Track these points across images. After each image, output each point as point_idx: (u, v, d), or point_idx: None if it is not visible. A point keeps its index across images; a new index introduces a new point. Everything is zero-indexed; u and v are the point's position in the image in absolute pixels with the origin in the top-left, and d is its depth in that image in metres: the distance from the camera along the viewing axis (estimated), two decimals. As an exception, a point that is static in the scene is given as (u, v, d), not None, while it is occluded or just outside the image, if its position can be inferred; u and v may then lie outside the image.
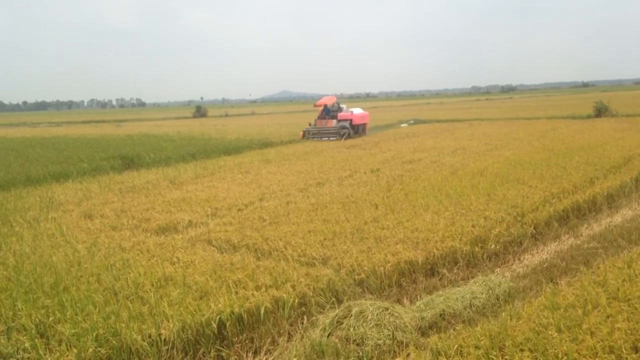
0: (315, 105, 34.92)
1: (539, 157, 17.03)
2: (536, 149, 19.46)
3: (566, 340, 4.81)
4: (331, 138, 30.23)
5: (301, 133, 31.68)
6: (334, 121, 31.63)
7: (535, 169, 14.40)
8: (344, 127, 30.85)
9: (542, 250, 8.79)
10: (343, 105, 33.63)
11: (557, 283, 7.04)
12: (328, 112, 32.99)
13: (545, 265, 7.94)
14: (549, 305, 5.67)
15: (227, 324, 5.86)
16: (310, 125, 32.75)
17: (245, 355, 5.75)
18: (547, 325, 5.17)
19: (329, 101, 34.00)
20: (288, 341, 5.95)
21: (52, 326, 5.81)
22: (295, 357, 5.43)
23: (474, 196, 11.28)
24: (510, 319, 5.46)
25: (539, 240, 9.30)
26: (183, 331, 5.63)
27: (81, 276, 7.29)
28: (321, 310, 6.48)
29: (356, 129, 32.00)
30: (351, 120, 31.56)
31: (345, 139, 29.66)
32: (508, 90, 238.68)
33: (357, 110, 33.34)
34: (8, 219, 11.58)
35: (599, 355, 4.59)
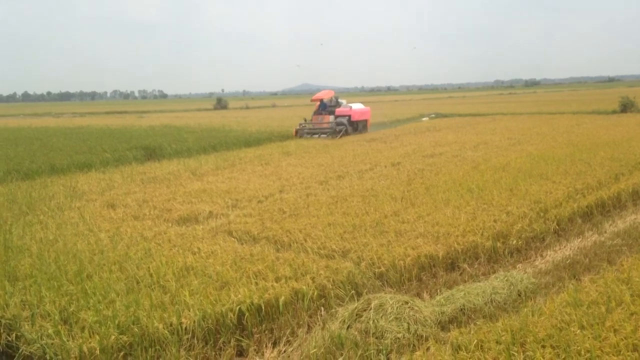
0: (311, 100, 33.02)
1: (562, 152, 16.79)
2: (560, 144, 19.20)
3: (589, 338, 4.75)
4: (327, 135, 28.06)
5: (294, 130, 29.37)
6: (331, 117, 29.51)
7: (559, 165, 14.21)
8: (340, 124, 28.78)
9: (564, 247, 8.68)
10: (342, 100, 31.65)
11: (579, 280, 6.95)
12: (325, 107, 30.78)
13: (568, 262, 7.84)
14: (572, 302, 5.60)
15: (247, 314, 5.90)
16: (305, 121, 30.46)
17: (264, 346, 5.78)
18: (570, 322, 5.10)
19: (327, 95, 31.79)
20: (307, 333, 5.97)
21: (75, 313, 5.89)
22: (314, 348, 5.44)
23: (496, 191, 11.17)
24: (532, 315, 5.40)
25: (561, 236, 9.19)
26: (203, 320, 5.68)
27: (104, 264, 7.40)
28: (340, 302, 6.48)
29: (355, 126, 29.98)
30: (350, 116, 29.56)
31: (341, 136, 27.69)
32: (532, 84, 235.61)
33: (356, 106, 31.23)
34: (33, 207, 11.77)
35: (622, 353, 4.52)
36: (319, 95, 32.18)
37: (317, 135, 28.25)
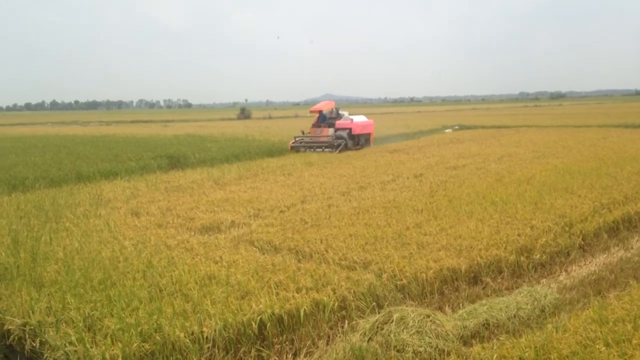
0: (310, 111, 30.97)
1: (588, 166, 16.55)
2: (586, 158, 18.92)
3: (614, 355, 4.66)
4: (325, 150, 26.08)
5: (290, 144, 27.40)
6: (330, 130, 27.43)
7: (585, 178, 14.00)
8: (340, 138, 26.58)
9: (590, 262, 8.54)
10: (344, 112, 29.35)
11: (605, 296, 6.82)
12: (324, 120, 28.76)
13: (593, 278, 7.71)
14: (597, 318, 5.50)
15: (268, 324, 5.91)
16: (303, 133, 28.53)
17: (285, 357, 5.78)
18: (595, 339, 5.02)
19: (327, 106, 29.55)
20: (328, 344, 5.95)
21: (99, 320, 5.97)
22: (334, 360, 5.42)
23: (520, 204, 11.04)
24: (556, 332, 5.32)
25: (587, 251, 9.04)
26: (225, 330, 5.70)
27: (128, 272, 7.47)
28: (361, 314, 6.45)
29: (356, 140, 27.77)
30: (350, 129, 27.25)
31: (340, 151, 25.68)
32: (557, 96, 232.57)
33: (358, 118, 28.93)
34: (59, 214, 11.96)
35: (650, 372, 4.43)
36: (318, 106, 29.97)
37: (314, 150, 26.38)
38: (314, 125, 28.90)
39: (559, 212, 10.35)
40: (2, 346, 6.25)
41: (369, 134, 29.15)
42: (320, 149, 26.19)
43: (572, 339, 5.06)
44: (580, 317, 5.67)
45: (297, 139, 27.74)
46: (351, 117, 28.55)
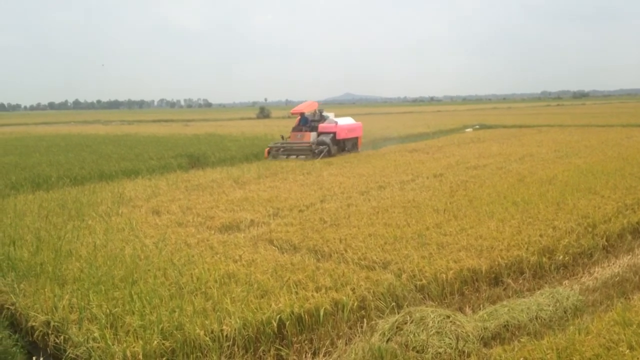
0: (291, 113, 27.99)
1: (612, 166, 16.30)
2: (609, 158, 18.64)
3: (639, 359, 4.58)
4: (301, 157, 23.33)
5: (266, 150, 24.58)
6: (312, 134, 24.47)
7: (608, 179, 13.79)
8: (322, 143, 23.80)
9: (613, 264, 8.41)
10: (328, 114, 26.32)
11: (629, 298, 6.71)
12: (306, 122, 25.75)
13: (616, 279, 7.59)
14: (620, 321, 5.42)
15: (287, 323, 5.92)
16: (283, 138, 25.77)
17: (304, 356, 5.79)
18: (618, 342, 4.94)
19: (309, 108, 26.45)
20: (347, 344, 5.94)
21: (121, 317, 6.04)
22: (353, 360, 5.41)
23: (542, 205, 10.92)
24: (579, 334, 5.25)
25: (610, 252, 8.90)
26: (244, 328, 5.73)
27: (149, 270, 7.55)
28: (381, 314, 6.43)
29: (342, 145, 25.14)
30: (335, 133, 24.49)
31: (322, 157, 22.82)
32: (580, 96, 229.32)
33: (344, 121, 26.21)
34: (82, 212, 12.12)
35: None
36: (299, 107, 26.77)
37: (293, 156, 23.63)
38: (294, 129, 25.85)
39: (582, 212, 10.21)
40: (26, 342, 6.35)
41: (356, 138, 26.57)
42: (298, 156, 23.51)
43: (595, 342, 4.98)
44: (603, 319, 5.58)
45: (275, 144, 24.92)
46: (336, 119, 25.69)
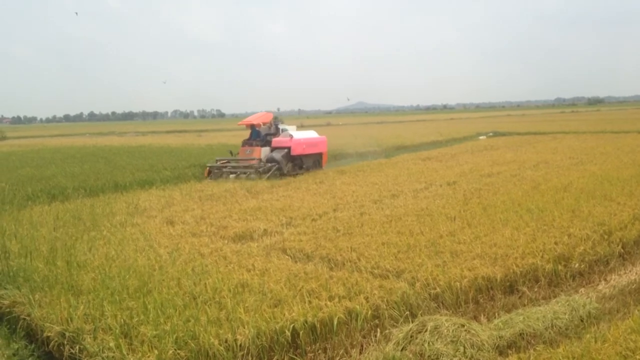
0: (238, 124, 24.75)
1: (628, 172, 16.13)
2: (625, 164, 18.45)
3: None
4: (250, 176, 19.84)
5: (206, 169, 21.27)
6: (264, 150, 21.32)
7: (624, 185, 13.64)
8: (271, 160, 20.65)
9: (630, 271, 8.31)
10: (286, 127, 22.98)
11: (647, 306, 6.62)
12: (257, 136, 22.43)
13: (633, 287, 7.51)
14: (638, 328, 5.36)
15: (301, 332, 5.91)
16: (231, 154, 22.39)
17: (318, 365, 5.77)
18: (635, 350, 4.88)
19: (261, 119, 22.83)
20: (361, 353, 5.92)
21: (136, 327, 6.06)
22: (368, 369, 5.38)
23: (557, 212, 10.82)
24: (595, 342, 5.20)
25: (627, 260, 8.80)
26: (258, 337, 5.73)
27: (163, 280, 7.58)
28: (395, 323, 6.40)
29: (299, 162, 21.81)
30: (289, 149, 21.14)
31: (269, 177, 19.71)
32: (595, 102, 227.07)
33: (303, 134, 22.88)
34: (97, 223, 12.22)
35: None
36: (249, 119, 23.34)
37: (242, 175, 20.21)
38: (244, 143, 22.60)
39: (598, 219, 10.10)
40: (41, 353, 6.40)
41: (319, 154, 22.90)
42: (245, 175, 20.13)
43: (612, 350, 4.93)
44: (620, 327, 5.52)
45: (218, 162, 21.67)
46: (292, 133, 22.29)
